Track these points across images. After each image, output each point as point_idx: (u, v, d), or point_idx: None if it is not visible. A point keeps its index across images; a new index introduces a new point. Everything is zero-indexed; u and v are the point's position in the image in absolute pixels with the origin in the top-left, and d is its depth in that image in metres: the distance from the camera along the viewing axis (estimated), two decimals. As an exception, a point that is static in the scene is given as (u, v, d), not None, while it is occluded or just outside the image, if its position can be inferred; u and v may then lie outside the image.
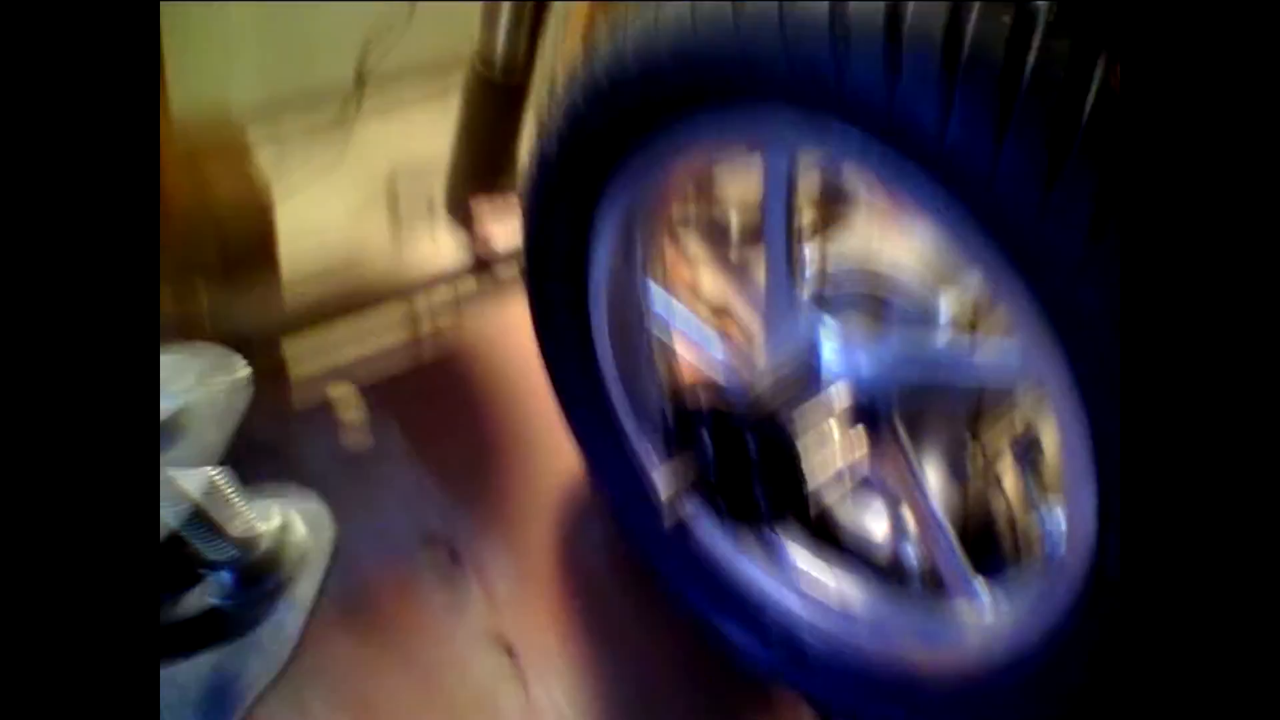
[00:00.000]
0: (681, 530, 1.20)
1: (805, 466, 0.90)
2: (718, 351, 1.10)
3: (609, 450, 1.20)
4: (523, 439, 1.38)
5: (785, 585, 1.17)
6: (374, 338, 1.41)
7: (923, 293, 0.94)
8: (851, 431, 0.95)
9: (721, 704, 1.25)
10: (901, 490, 0.97)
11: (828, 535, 1.18)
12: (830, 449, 0.94)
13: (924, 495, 0.96)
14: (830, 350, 0.94)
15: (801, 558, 1.18)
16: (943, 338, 0.91)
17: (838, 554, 1.17)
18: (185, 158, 1.20)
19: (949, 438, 0.99)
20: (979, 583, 0.96)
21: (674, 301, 1.11)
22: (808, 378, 0.95)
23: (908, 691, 1.06)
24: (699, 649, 1.26)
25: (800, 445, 0.90)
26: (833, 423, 0.94)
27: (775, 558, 1.19)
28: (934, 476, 1.06)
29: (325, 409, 1.34)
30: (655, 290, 1.10)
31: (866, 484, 1.17)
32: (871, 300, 0.96)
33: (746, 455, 0.89)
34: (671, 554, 1.23)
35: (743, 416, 0.90)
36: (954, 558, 0.96)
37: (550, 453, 1.35)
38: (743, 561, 1.20)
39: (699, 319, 1.11)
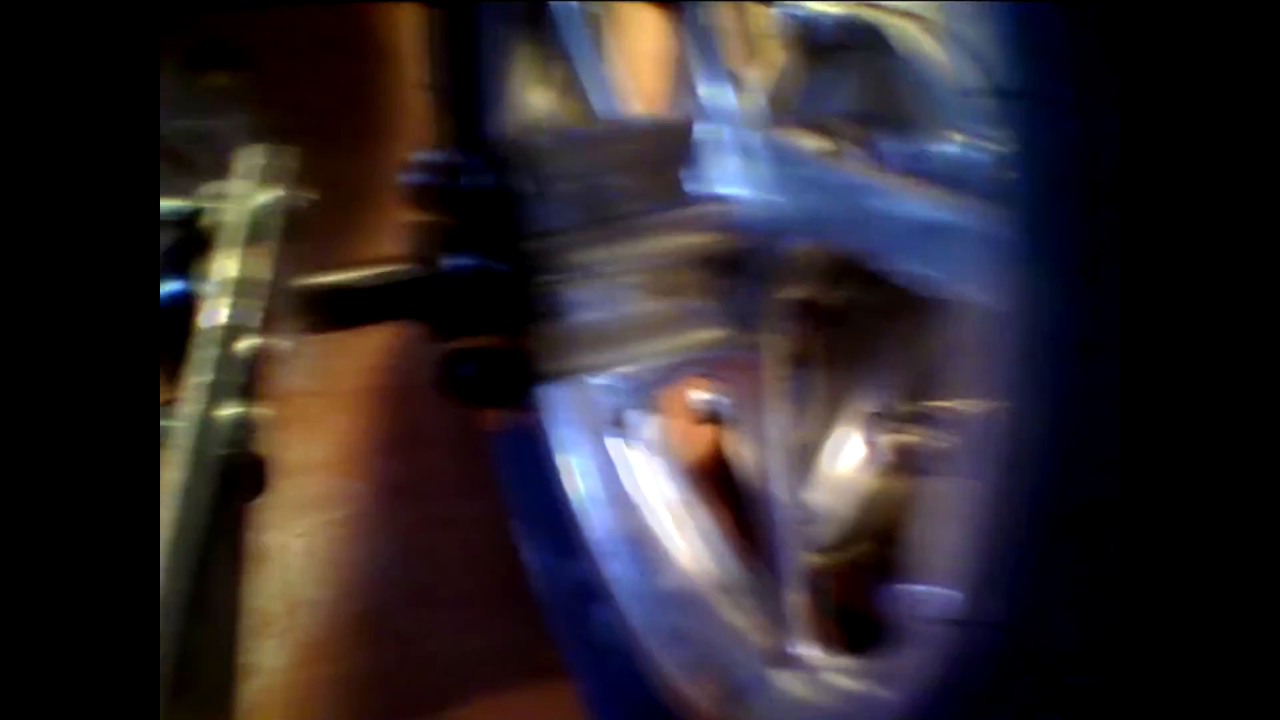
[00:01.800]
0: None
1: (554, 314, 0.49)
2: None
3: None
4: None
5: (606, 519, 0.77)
6: None
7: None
8: (709, 300, 0.52)
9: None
10: (746, 430, 0.55)
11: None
12: (648, 308, 0.52)
13: (772, 457, 0.53)
14: (728, 147, 0.51)
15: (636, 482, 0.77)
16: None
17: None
18: None
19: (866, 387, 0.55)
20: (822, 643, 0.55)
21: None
22: (672, 171, 0.52)
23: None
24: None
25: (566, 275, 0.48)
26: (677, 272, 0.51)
27: (604, 467, 0.78)
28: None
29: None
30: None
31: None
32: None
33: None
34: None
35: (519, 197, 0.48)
36: (785, 583, 0.54)
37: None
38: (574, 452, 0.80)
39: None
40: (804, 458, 0.61)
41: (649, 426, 0.81)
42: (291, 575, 0.86)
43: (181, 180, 0.93)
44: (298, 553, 0.87)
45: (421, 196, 0.50)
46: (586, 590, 0.77)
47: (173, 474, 0.37)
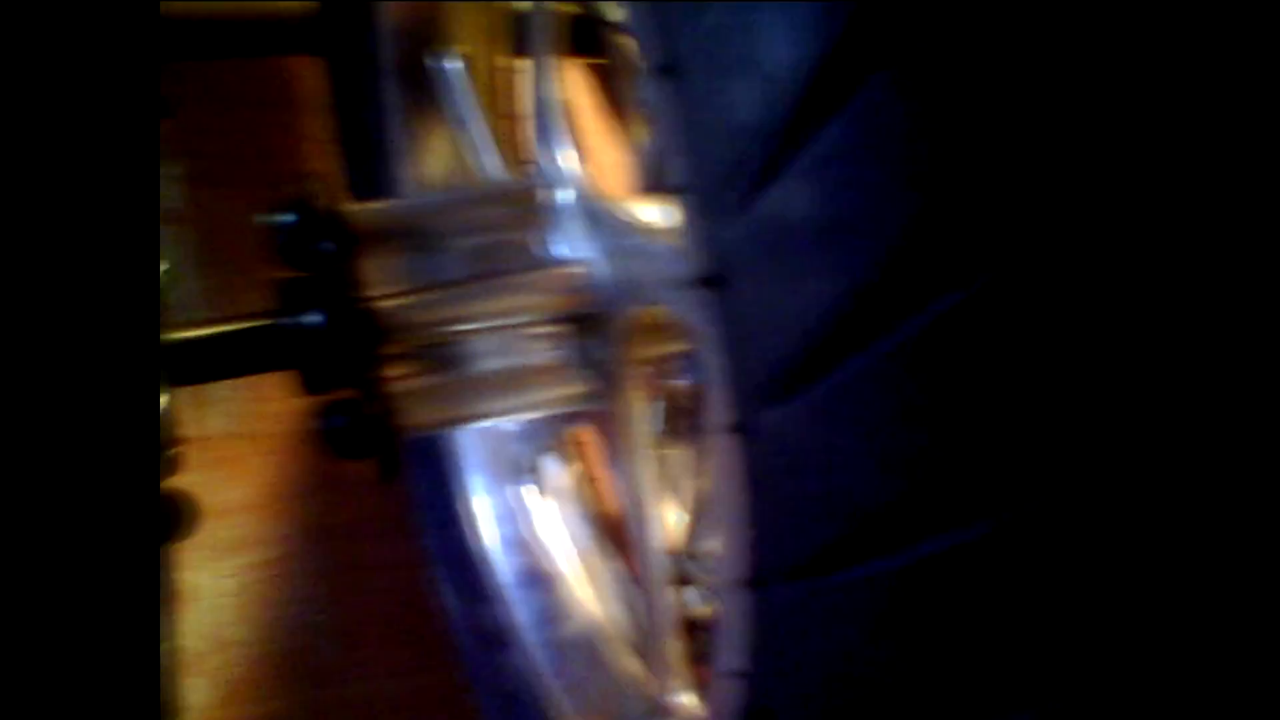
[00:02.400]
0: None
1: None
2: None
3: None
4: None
5: (515, 565, 0.78)
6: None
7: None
8: (570, 357, 0.54)
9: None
10: (618, 481, 0.56)
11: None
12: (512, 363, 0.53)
13: (637, 503, 0.54)
14: (577, 213, 0.52)
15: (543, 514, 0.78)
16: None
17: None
18: None
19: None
20: (680, 680, 0.55)
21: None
22: (527, 233, 0.53)
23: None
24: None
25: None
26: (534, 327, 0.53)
27: (516, 513, 0.79)
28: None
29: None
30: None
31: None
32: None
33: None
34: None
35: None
36: (659, 629, 0.55)
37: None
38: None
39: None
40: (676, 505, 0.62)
41: (561, 475, 0.82)
42: (218, 615, 0.88)
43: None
44: (224, 593, 0.88)
45: (275, 251, 0.52)
46: (496, 635, 0.78)
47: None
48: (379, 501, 0.94)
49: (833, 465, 0.22)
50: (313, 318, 0.47)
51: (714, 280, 0.23)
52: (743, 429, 0.24)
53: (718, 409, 0.26)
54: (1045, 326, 0.20)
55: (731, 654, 0.29)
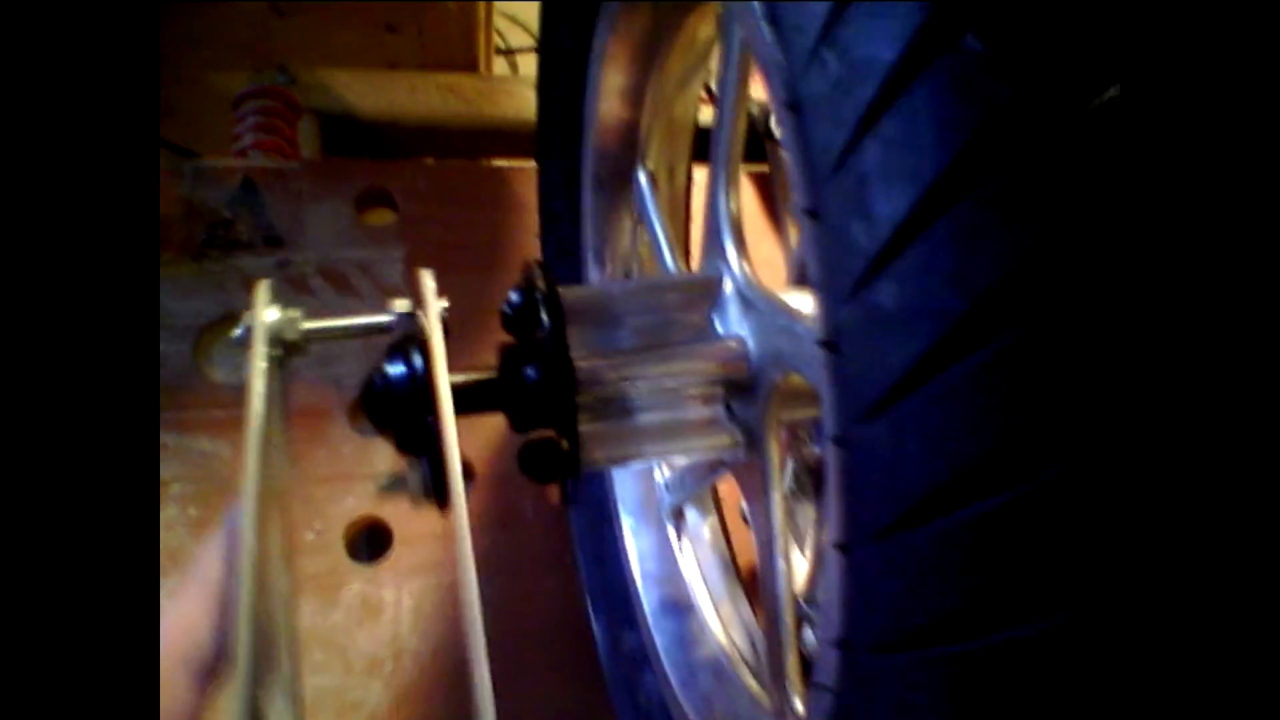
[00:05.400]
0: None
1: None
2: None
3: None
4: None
5: (659, 596, 0.91)
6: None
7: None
8: (721, 414, 0.67)
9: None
10: (754, 523, 0.68)
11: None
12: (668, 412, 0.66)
13: (767, 540, 0.66)
14: (737, 299, 0.66)
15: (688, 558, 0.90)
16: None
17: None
18: None
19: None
20: (799, 699, 0.66)
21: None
22: (698, 313, 0.67)
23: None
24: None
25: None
26: (691, 386, 0.66)
27: (663, 551, 0.92)
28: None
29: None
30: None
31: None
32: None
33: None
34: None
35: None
36: (782, 648, 0.66)
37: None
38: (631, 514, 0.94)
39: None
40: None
41: (700, 524, 0.94)
42: (398, 628, 1.03)
43: (343, 301, 1.15)
44: (407, 609, 1.03)
45: (504, 322, 0.67)
46: (639, 658, 0.90)
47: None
48: (543, 539, 1.09)
49: (903, 460, 0.34)
50: (529, 372, 0.62)
51: (829, 344, 0.36)
52: (843, 441, 0.36)
53: (828, 426, 0.39)
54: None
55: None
